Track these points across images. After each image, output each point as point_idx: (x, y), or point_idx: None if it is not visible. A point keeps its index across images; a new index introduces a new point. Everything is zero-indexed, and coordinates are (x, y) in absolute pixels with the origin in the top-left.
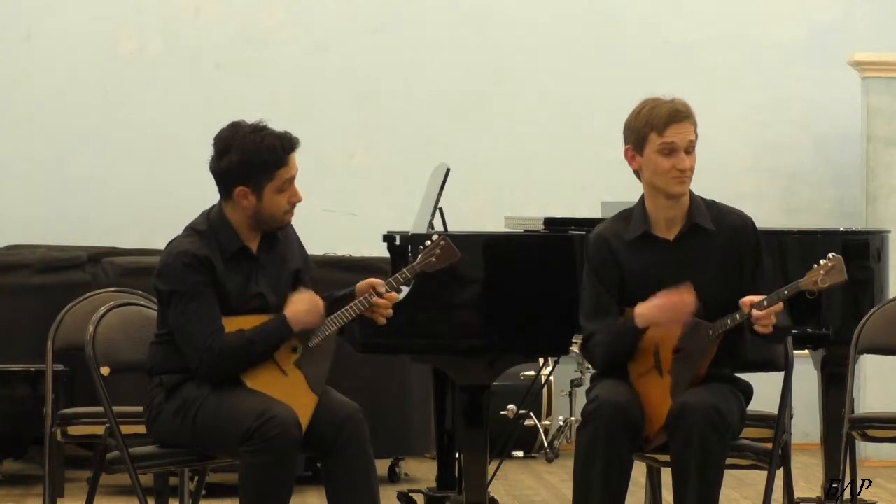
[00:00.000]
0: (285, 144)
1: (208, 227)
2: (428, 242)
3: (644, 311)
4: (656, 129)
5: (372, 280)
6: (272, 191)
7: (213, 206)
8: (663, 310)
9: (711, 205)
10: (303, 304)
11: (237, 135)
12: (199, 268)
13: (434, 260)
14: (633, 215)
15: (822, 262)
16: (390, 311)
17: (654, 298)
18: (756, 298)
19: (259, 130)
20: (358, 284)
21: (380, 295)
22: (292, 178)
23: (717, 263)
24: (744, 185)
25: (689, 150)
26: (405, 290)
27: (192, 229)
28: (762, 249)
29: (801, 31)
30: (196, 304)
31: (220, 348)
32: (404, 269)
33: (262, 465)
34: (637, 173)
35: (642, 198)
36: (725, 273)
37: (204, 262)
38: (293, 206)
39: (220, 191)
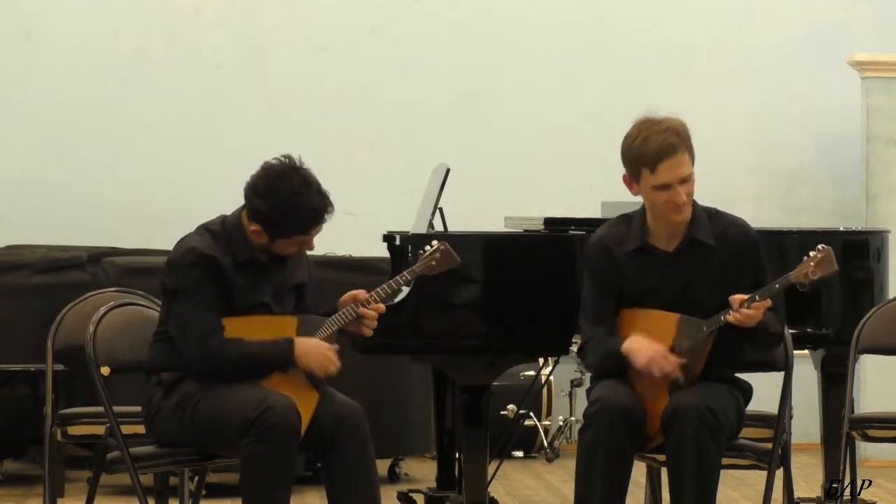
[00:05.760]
0: (315, 219)
1: (222, 230)
2: (427, 247)
3: (633, 353)
4: (648, 167)
5: (354, 292)
6: (285, 244)
7: (233, 213)
8: (648, 363)
9: (714, 215)
10: (317, 344)
11: (280, 186)
12: (204, 266)
13: (433, 264)
14: (634, 223)
15: (811, 253)
16: (375, 323)
17: (646, 352)
18: (745, 297)
19: (301, 192)
20: (341, 298)
21: (364, 305)
22: (308, 241)
23: (716, 276)
24: (744, 186)
25: (685, 181)
26: (405, 290)
27: (204, 228)
28: (763, 260)
29: (801, 31)
30: (195, 302)
31: (214, 349)
32: (404, 272)
33: (263, 454)
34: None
35: (644, 207)
36: (723, 284)
37: (210, 261)
38: (302, 251)
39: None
